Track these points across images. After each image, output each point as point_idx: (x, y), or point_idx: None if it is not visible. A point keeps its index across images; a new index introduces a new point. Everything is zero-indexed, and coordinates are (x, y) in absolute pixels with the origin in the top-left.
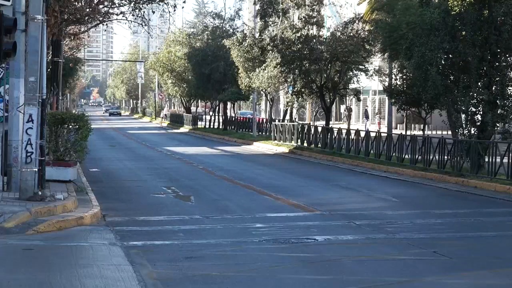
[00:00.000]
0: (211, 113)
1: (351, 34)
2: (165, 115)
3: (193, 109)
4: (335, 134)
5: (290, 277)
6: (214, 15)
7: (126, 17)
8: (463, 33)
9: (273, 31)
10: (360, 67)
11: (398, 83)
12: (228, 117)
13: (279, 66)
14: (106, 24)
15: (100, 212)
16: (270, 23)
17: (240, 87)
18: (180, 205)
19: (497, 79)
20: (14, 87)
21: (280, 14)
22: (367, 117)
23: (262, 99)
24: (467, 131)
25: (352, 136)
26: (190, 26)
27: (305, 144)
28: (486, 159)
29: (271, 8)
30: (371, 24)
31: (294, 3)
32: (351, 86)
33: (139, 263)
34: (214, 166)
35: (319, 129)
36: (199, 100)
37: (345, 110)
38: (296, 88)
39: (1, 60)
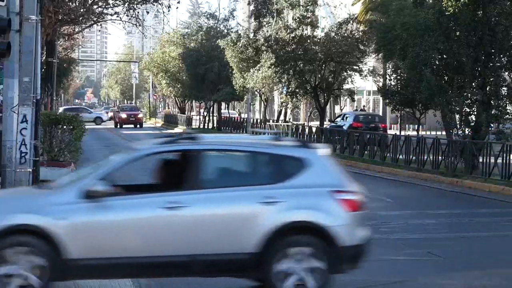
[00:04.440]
0: (205, 113)
1: (345, 34)
2: None
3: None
4: (329, 134)
5: None
6: (208, 16)
7: (120, 18)
8: (457, 33)
9: (267, 31)
10: (355, 67)
11: (393, 83)
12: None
13: (273, 66)
14: (101, 25)
15: None
16: (265, 23)
17: (235, 87)
18: None
19: (491, 79)
20: (8, 87)
21: (274, 14)
22: None
23: (256, 99)
24: (461, 132)
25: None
26: (185, 26)
27: None
28: (480, 160)
29: (265, 8)
30: (366, 25)
31: (288, 3)
32: (346, 86)
33: None
34: None
35: (314, 129)
36: (194, 101)
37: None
38: (290, 89)
39: None
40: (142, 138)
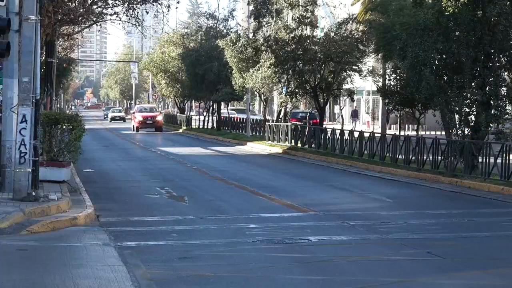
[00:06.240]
0: (204, 113)
1: (345, 34)
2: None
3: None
4: (329, 134)
5: (284, 278)
6: (208, 16)
7: (119, 18)
8: (457, 33)
9: (267, 31)
10: (354, 67)
11: (392, 83)
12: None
13: (273, 66)
14: (100, 25)
15: (94, 213)
16: (264, 23)
17: (234, 87)
18: (174, 205)
19: (490, 79)
20: (7, 87)
21: (274, 14)
22: (356, 117)
23: (256, 99)
24: (460, 132)
25: (346, 136)
26: (184, 26)
27: (299, 145)
28: (480, 160)
29: (264, 8)
30: (365, 25)
31: (288, 3)
32: (345, 86)
33: (132, 264)
34: (208, 167)
35: (313, 129)
36: (193, 101)
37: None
38: (290, 89)
39: None
40: (143, 139)
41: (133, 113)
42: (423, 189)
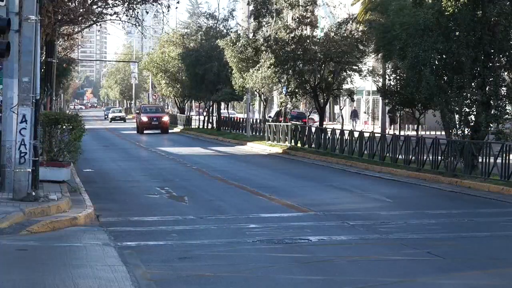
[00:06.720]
0: (204, 113)
1: (345, 34)
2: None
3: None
4: (329, 134)
5: (284, 278)
6: (208, 16)
7: (119, 18)
8: (457, 33)
9: (267, 31)
10: (354, 67)
11: (392, 83)
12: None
13: (273, 66)
14: (100, 25)
15: (93, 213)
16: (264, 23)
17: (234, 87)
18: (174, 205)
19: (490, 79)
20: (7, 87)
21: (274, 14)
22: (356, 117)
23: (256, 99)
24: (460, 132)
25: (346, 136)
26: (184, 26)
27: (299, 145)
28: (480, 160)
29: (264, 8)
30: (365, 25)
31: (288, 3)
32: (345, 86)
33: (132, 264)
34: (208, 167)
35: (313, 129)
36: (193, 101)
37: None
38: (290, 89)
39: None
40: (143, 139)
41: (137, 113)
42: (423, 189)
